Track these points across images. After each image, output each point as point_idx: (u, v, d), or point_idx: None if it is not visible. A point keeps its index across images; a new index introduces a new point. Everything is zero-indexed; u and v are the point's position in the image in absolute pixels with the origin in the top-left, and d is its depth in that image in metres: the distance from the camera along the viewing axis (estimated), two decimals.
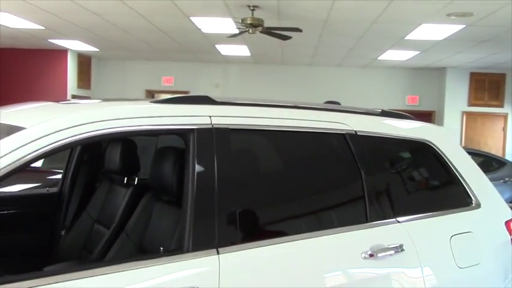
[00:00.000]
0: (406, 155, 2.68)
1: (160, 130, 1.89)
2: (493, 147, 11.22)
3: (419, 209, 2.49)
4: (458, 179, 2.66)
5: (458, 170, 2.67)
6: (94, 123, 1.71)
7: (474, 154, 8.33)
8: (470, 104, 11.29)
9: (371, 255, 2.11)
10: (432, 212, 2.49)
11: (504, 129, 11.34)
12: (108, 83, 12.09)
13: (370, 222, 2.23)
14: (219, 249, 1.78)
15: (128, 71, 12.21)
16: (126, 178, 2.78)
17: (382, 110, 2.62)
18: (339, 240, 2.09)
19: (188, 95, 2.03)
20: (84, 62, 11.57)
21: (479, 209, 2.66)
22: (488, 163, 8.34)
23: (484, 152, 8.90)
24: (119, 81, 12.11)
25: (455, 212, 2.58)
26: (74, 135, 1.65)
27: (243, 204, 1.95)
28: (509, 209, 2.89)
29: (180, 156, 2.01)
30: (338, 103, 2.74)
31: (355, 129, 2.33)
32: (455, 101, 11.30)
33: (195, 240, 1.76)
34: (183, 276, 1.70)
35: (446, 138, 2.78)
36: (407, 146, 2.60)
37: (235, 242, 1.84)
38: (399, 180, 2.52)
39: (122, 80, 12.11)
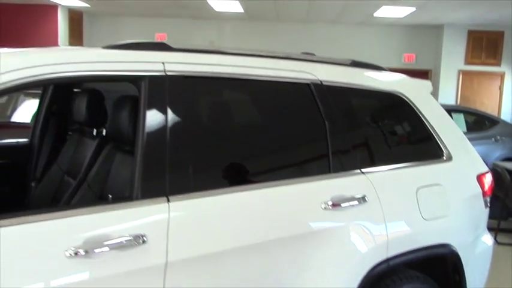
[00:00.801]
0: (376, 106, 2.62)
1: (111, 76, 1.83)
2: (489, 107, 11.13)
3: (387, 160, 2.45)
4: (430, 131, 2.62)
5: (431, 122, 2.63)
6: (41, 67, 1.66)
7: (466, 113, 8.30)
8: (467, 63, 11.12)
9: (331, 206, 2.09)
10: (400, 163, 2.46)
11: (500, 88, 11.22)
12: (100, 40, 11.90)
13: (333, 173, 2.20)
14: (170, 197, 1.76)
15: (121, 27, 12.02)
16: (95, 130, 2.75)
17: (352, 60, 2.55)
18: (298, 190, 2.06)
19: (146, 41, 1.95)
20: (76, 18, 11.37)
21: (450, 162, 2.63)
22: (481, 122, 8.30)
23: (476, 110, 8.83)
24: (112, 38, 11.90)
25: (425, 164, 2.55)
26: (21, 78, 1.60)
27: (197, 153, 1.91)
28: (482, 162, 2.86)
29: (135, 105, 1.96)
30: (313, 55, 2.67)
31: (320, 79, 2.27)
32: (452, 60, 11.14)
33: (144, 188, 1.73)
34: (131, 223, 1.68)
35: (419, 91, 2.72)
36: (378, 97, 2.54)
37: (187, 190, 1.81)
38: (366, 132, 2.48)
39: (114, 37, 11.91)
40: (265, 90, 2.17)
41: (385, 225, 2.24)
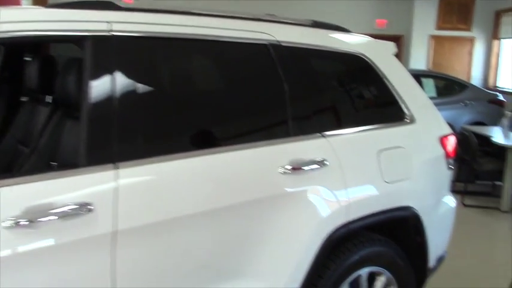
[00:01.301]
0: (337, 68, 2.56)
1: (52, 37, 1.72)
2: (459, 72, 11.19)
3: (348, 123, 2.41)
4: (392, 93, 2.58)
5: (393, 84, 2.59)
6: None
7: (436, 77, 8.33)
8: (438, 28, 11.12)
9: (290, 170, 2.04)
10: (362, 126, 2.42)
11: (471, 53, 11.28)
12: None
13: (293, 136, 2.14)
14: (118, 164, 1.68)
15: None
16: (48, 97, 2.63)
17: (313, 21, 2.48)
18: (255, 155, 2.00)
19: None
20: None
21: (413, 124, 2.60)
22: (450, 86, 8.35)
23: (445, 75, 8.87)
24: None
25: (387, 127, 2.52)
26: None
27: (148, 118, 1.83)
28: (445, 125, 2.85)
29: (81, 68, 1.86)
30: (275, 15, 2.57)
31: (279, 40, 2.19)
32: (423, 25, 11.12)
33: (90, 154, 1.65)
34: (76, 191, 1.60)
35: (382, 52, 2.67)
36: (339, 58, 2.48)
37: (138, 156, 1.74)
38: (327, 94, 2.42)
39: None
40: (220, 51, 2.08)
41: (346, 188, 2.21)
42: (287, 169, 2.04)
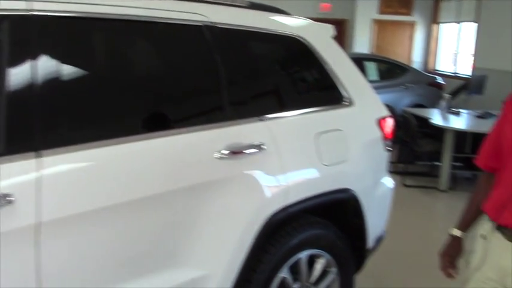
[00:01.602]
0: (275, 50, 2.53)
1: None
2: (400, 55, 11.45)
3: (287, 106, 2.39)
4: (331, 76, 2.57)
5: (332, 67, 2.58)
6: None
7: (379, 61, 8.47)
8: (381, 12, 11.32)
9: (226, 155, 2.00)
10: (300, 109, 2.41)
11: (411, 37, 11.55)
12: None
13: (229, 121, 2.10)
14: (42, 152, 1.58)
15: None
16: None
17: (250, 2, 2.43)
18: (189, 140, 1.94)
19: None
20: None
21: (351, 107, 2.61)
22: (392, 70, 8.52)
23: (387, 58, 9.04)
24: None
25: (325, 110, 2.51)
26: None
27: (75, 102, 1.73)
28: (383, 107, 2.88)
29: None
30: None
31: (213, 21, 2.12)
32: (366, 9, 11.29)
33: (10, 143, 1.55)
34: None
35: (320, 34, 2.65)
36: (276, 41, 2.44)
37: (64, 143, 1.64)
38: (265, 77, 2.39)
39: None
40: (151, 33, 2.00)
41: (284, 172, 2.19)
42: (223, 154, 1.99)
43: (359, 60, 8.06)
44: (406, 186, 6.01)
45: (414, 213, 5.22)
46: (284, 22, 2.48)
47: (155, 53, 2.10)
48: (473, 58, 9.41)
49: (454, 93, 7.15)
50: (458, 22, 10.49)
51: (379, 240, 2.94)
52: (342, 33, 11.82)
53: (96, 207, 1.67)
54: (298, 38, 2.47)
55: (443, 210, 5.58)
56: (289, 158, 2.23)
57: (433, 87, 8.43)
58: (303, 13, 9.86)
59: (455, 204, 5.51)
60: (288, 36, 2.44)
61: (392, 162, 6.70)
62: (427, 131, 6.28)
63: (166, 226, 1.88)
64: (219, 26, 2.14)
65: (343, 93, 2.60)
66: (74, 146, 1.66)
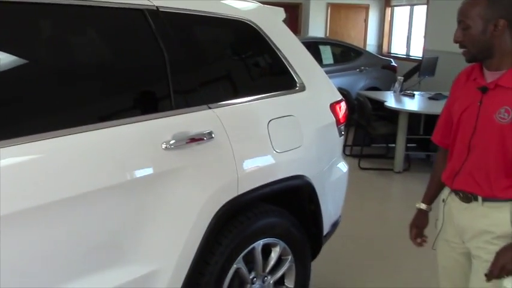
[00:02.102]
0: (223, 35, 2.45)
1: None
2: (355, 39, 11.54)
3: (237, 93, 2.33)
4: (282, 61, 2.51)
5: (283, 52, 2.52)
6: None
7: (333, 44, 8.49)
8: None
9: (174, 145, 1.91)
10: (251, 96, 2.34)
11: (365, 20, 11.64)
12: None
13: (176, 109, 2.01)
14: None
15: None
16: None
17: None
18: (135, 130, 1.84)
19: None
20: None
21: (303, 92, 2.57)
22: (346, 53, 8.56)
23: (342, 42, 9.08)
24: None
25: (277, 96, 2.46)
26: None
27: (9, 94, 1.62)
28: (336, 92, 2.85)
29: None
30: None
31: (156, 5, 2.02)
32: None
33: None
34: None
35: (271, 18, 2.59)
36: (225, 25, 2.36)
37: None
38: (213, 63, 2.31)
39: None
40: (86, 18, 1.88)
41: (235, 161, 2.12)
42: (171, 144, 1.91)
43: (314, 44, 8.07)
44: (361, 169, 6.06)
45: (370, 195, 5.27)
46: (233, 6, 2.40)
47: (93, 39, 1.99)
48: (423, 40, 9.56)
49: (407, 76, 7.24)
50: (410, 5, 10.62)
51: (334, 225, 2.94)
52: (297, 17, 11.81)
53: (36, 204, 1.56)
54: (247, 22, 2.40)
55: (398, 192, 5.66)
56: (241, 146, 2.17)
57: (388, 70, 8.53)
58: None
59: (410, 185, 5.62)
60: (237, 20, 2.37)
61: (348, 145, 6.78)
62: (381, 113, 6.34)
63: (113, 221, 1.79)
64: (163, 10, 2.04)
65: (295, 78, 2.55)
66: (9, 140, 1.54)
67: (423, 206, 2.12)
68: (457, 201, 1.90)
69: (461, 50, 1.80)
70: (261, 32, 2.44)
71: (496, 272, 1.72)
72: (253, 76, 2.52)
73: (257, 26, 2.43)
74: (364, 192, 5.39)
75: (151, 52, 2.00)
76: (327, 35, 11.34)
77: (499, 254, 1.73)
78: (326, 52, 8.04)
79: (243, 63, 2.51)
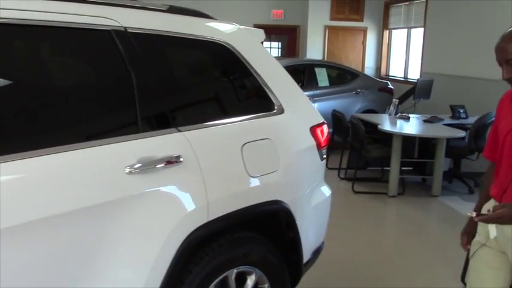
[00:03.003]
0: (197, 57, 2.40)
1: None
2: (353, 61, 11.54)
3: (210, 116, 2.26)
4: (259, 83, 2.46)
5: (260, 74, 2.46)
6: None
7: (328, 67, 8.47)
8: (332, 18, 11.36)
9: (138, 169, 1.85)
10: (225, 119, 2.28)
11: (363, 43, 11.65)
12: None
13: (143, 132, 1.95)
14: None
15: None
16: None
17: (170, 6, 2.29)
18: (96, 154, 1.77)
19: None
20: None
21: (281, 115, 2.51)
22: (343, 75, 8.53)
23: (338, 64, 9.06)
24: None
25: (253, 119, 2.39)
26: None
27: None
28: (317, 114, 2.79)
29: None
30: (137, 0, 2.35)
31: (124, 26, 1.98)
32: (318, 16, 11.30)
33: None
34: None
35: (248, 40, 2.54)
36: (198, 46, 2.31)
37: None
38: (185, 86, 2.25)
39: None
40: (50, 38, 1.83)
41: (205, 186, 2.05)
42: (135, 168, 1.84)
43: (310, 67, 8.05)
44: (355, 192, 5.97)
45: (362, 219, 5.17)
46: (207, 27, 2.35)
47: (55, 61, 1.93)
48: (420, 63, 9.54)
49: (402, 98, 7.20)
50: (408, 28, 10.63)
51: (316, 252, 2.84)
52: (295, 40, 11.83)
53: None
54: (222, 43, 2.35)
55: (391, 216, 5.55)
56: (212, 170, 2.10)
57: (385, 93, 8.48)
58: (256, 20, 9.84)
59: (403, 209, 5.52)
60: (211, 42, 2.31)
61: (342, 169, 6.69)
62: (375, 136, 6.27)
63: (68, 251, 1.70)
64: (131, 30, 1.99)
65: (273, 100, 2.49)
66: None
67: (473, 214, 2.12)
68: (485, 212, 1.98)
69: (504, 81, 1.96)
70: (237, 54, 2.39)
71: (493, 219, 1.88)
72: (227, 99, 2.46)
73: (233, 47, 2.38)
74: (356, 216, 5.29)
75: (117, 74, 1.95)
76: (325, 57, 11.34)
77: (506, 208, 1.85)
78: (322, 74, 8.00)
79: (217, 86, 2.46)
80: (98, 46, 1.93)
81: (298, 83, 8.61)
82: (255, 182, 2.26)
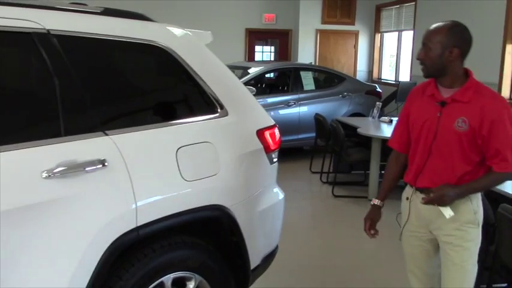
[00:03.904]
0: (130, 59, 2.36)
1: None
2: (345, 65, 11.51)
3: (142, 119, 2.23)
4: (200, 86, 2.42)
5: (202, 77, 2.42)
6: None
7: (316, 70, 8.44)
8: (324, 22, 11.33)
9: (58, 174, 1.81)
10: (159, 122, 2.25)
11: (355, 46, 11.61)
12: None
13: (66, 136, 1.91)
14: None
15: None
16: None
17: (105, 8, 2.26)
18: (10, 158, 1.74)
19: None
20: None
21: (224, 118, 2.47)
22: (329, 79, 8.49)
23: (324, 68, 9.02)
24: None
25: (191, 122, 2.35)
26: None
27: None
28: (267, 117, 2.75)
29: None
30: (85, 4, 2.32)
31: (47, 28, 1.95)
32: (310, 19, 11.28)
33: None
34: None
35: (189, 42, 2.50)
36: (130, 48, 2.25)
37: None
38: (114, 88, 2.21)
39: None
40: None
41: (133, 190, 2.01)
42: (54, 173, 1.81)
43: (295, 70, 8.01)
44: (335, 196, 5.91)
45: (340, 223, 5.11)
46: (141, 28, 2.31)
47: None
48: (410, 66, 9.49)
49: (385, 102, 7.14)
50: (399, 31, 10.58)
51: (268, 257, 2.79)
52: (287, 44, 11.80)
53: None
54: (158, 45, 2.30)
55: None
56: (141, 174, 2.06)
57: (372, 96, 8.41)
58: (248, 24, 9.77)
59: (384, 212, 5.44)
60: (145, 44, 2.28)
61: (324, 173, 6.63)
62: (357, 140, 6.22)
63: None
64: (54, 33, 1.96)
65: (215, 103, 2.45)
66: None
67: (377, 202, 2.48)
68: (420, 197, 2.21)
69: (421, 67, 2.21)
70: (176, 56, 2.35)
71: (435, 198, 2.10)
72: (164, 102, 2.42)
73: (171, 49, 2.34)
74: (335, 220, 5.24)
75: (39, 77, 1.93)
76: (317, 61, 11.30)
77: (444, 188, 2.11)
78: (307, 78, 7.96)
79: (153, 89, 2.42)
80: (18, 48, 1.90)
81: (283, 87, 8.52)
82: (190, 186, 2.22)
